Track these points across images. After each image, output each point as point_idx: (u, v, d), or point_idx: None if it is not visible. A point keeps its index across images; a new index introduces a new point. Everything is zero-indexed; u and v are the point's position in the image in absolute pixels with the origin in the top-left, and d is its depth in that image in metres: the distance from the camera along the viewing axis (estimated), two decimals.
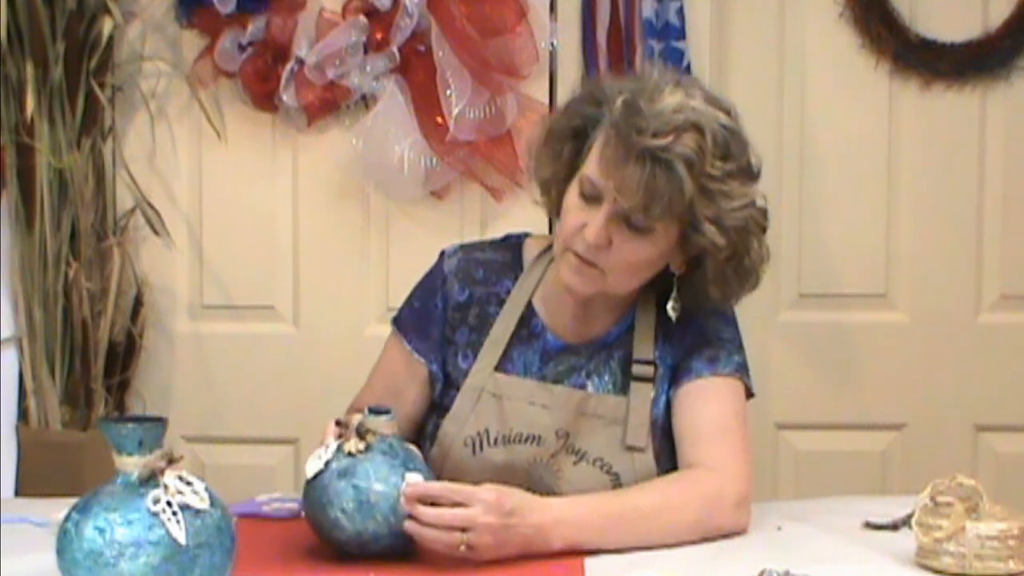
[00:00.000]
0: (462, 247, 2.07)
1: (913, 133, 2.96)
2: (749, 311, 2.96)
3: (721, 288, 1.92)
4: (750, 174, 1.88)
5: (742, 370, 1.97)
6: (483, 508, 1.68)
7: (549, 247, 2.01)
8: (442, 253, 2.06)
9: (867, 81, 2.95)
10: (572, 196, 1.88)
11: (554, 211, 1.98)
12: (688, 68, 2.81)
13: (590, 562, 1.70)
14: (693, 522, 1.81)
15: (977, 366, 2.98)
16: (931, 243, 2.97)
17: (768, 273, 2.92)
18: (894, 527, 1.82)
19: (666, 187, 1.78)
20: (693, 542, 1.79)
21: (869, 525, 1.84)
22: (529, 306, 1.99)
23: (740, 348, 2.00)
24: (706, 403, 1.92)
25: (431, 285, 2.04)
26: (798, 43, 2.96)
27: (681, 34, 2.82)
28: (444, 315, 2.01)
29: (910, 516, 1.68)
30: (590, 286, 1.89)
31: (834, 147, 2.96)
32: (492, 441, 1.95)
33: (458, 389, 1.97)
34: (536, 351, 1.98)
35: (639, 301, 1.98)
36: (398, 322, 2.06)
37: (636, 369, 1.94)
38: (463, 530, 1.67)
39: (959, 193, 2.97)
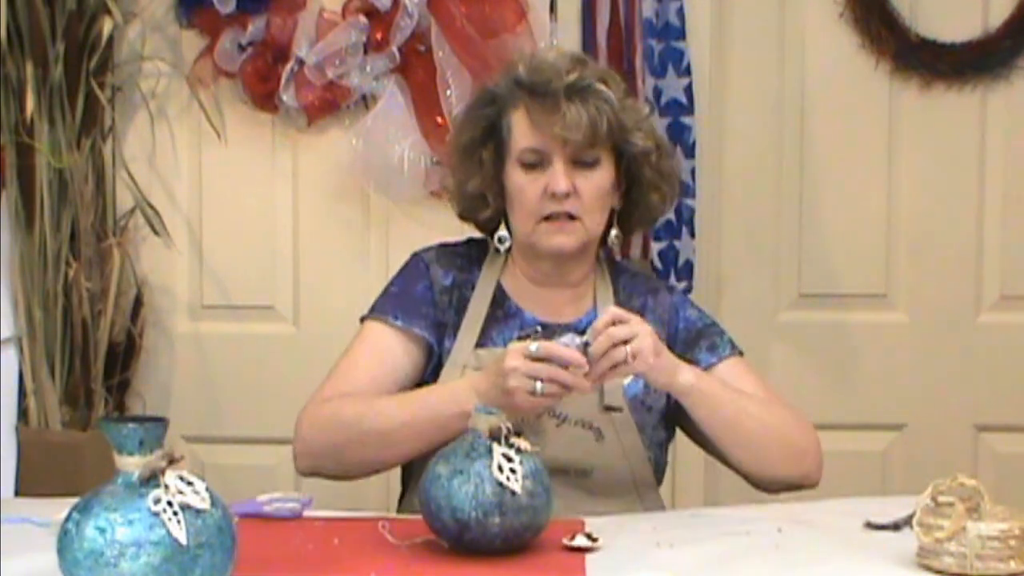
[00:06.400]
0: (434, 246, 2.16)
1: (913, 133, 2.96)
2: (749, 311, 3.00)
3: (658, 191, 2.08)
4: (633, 92, 2.18)
5: (733, 345, 2.12)
6: (637, 319, 1.87)
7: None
8: (415, 253, 2.14)
9: (867, 81, 2.95)
10: (518, 177, 2.01)
11: (491, 219, 2.09)
12: (688, 68, 2.81)
13: (590, 562, 1.70)
14: (789, 428, 2.02)
15: (977, 366, 2.98)
16: (931, 243, 2.97)
17: (768, 273, 3.00)
18: (895, 527, 1.82)
19: (603, 108, 1.97)
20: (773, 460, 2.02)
21: (869, 525, 1.84)
22: (500, 288, 2.08)
23: (720, 327, 2.14)
24: (736, 383, 2.05)
25: (413, 274, 2.11)
26: (798, 43, 2.96)
27: (681, 34, 2.82)
28: (433, 297, 2.07)
29: (911, 516, 1.68)
30: (575, 238, 2.01)
31: (834, 147, 2.96)
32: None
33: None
34: (514, 328, 2.05)
35: (597, 289, 2.09)
36: (375, 309, 2.11)
37: None
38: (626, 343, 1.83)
39: (959, 193, 2.97)
